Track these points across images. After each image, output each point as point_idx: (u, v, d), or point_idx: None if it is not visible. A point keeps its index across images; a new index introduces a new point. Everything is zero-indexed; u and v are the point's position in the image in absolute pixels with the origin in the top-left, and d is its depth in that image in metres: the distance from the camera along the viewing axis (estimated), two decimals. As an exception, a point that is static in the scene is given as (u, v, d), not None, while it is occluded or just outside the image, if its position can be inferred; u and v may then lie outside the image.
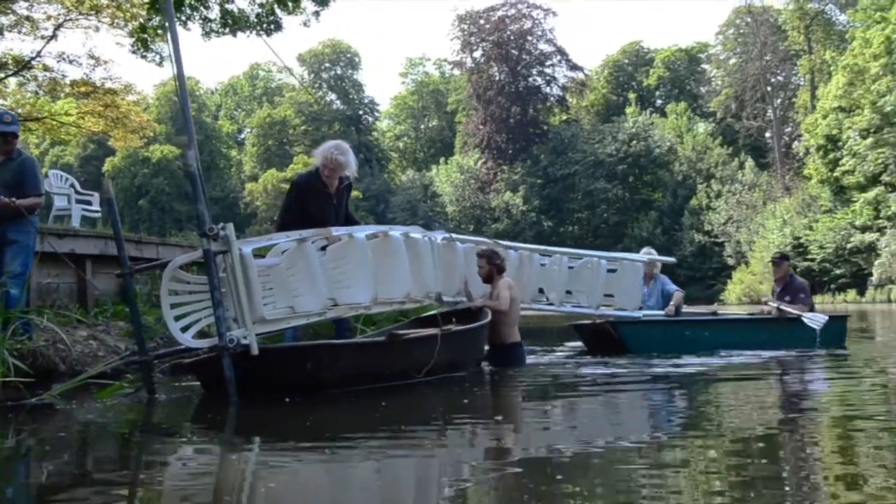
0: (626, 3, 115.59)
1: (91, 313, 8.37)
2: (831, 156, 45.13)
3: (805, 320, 9.48)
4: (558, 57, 64.36)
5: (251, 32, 18.71)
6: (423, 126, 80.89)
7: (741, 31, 63.86)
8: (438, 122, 78.69)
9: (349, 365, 6.10)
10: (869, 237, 41.32)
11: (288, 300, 6.08)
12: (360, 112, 77.69)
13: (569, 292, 9.36)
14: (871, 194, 42.06)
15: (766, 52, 60.86)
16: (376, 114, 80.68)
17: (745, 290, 47.13)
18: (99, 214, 13.88)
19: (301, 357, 6.00)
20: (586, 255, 9.74)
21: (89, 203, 13.60)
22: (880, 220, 41.36)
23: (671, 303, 9.85)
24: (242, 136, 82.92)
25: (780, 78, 62.70)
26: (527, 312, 8.89)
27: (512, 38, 63.50)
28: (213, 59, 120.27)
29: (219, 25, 18.35)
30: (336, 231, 6.52)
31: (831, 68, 49.06)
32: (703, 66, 69.74)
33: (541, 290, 9.22)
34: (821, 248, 43.26)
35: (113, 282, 9.43)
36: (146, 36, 18.05)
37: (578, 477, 3.36)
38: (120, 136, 22.45)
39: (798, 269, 44.06)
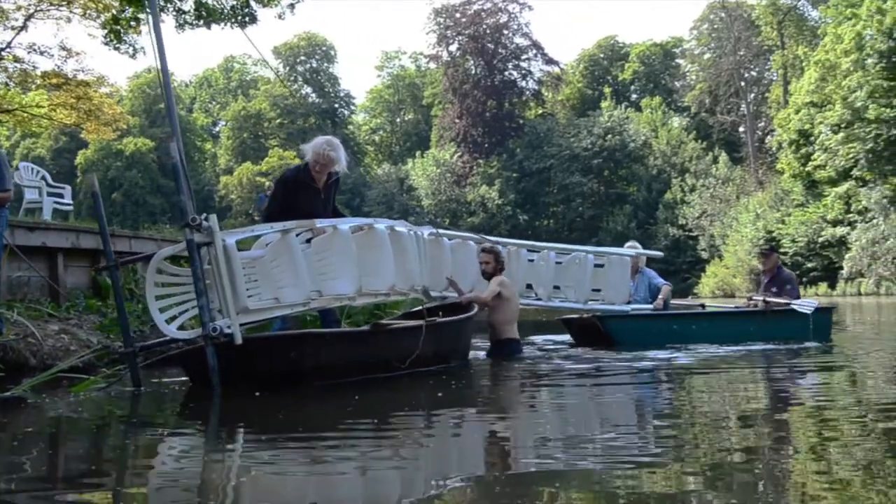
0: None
1: (62, 307, 8.30)
2: (803, 150, 45.59)
3: (795, 307, 9.52)
4: (534, 51, 64.46)
5: (226, 24, 18.61)
6: (398, 119, 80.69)
7: (715, 26, 64.25)
8: (414, 115, 78.51)
9: (333, 355, 6.14)
10: (840, 231, 41.81)
11: (272, 291, 6.11)
12: (336, 105, 77.39)
13: (557, 287, 9.39)
14: (842, 189, 42.54)
15: (739, 47, 61.30)
16: (352, 107, 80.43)
17: (719, 284, 47.56)
18: (71, 207, 13.76)
19: (285, 346, 6.02)
20: (574, 251, 9.79)
21: (61, 196, 13.47)
22: (851, 215, 41.85)
23: (659, 296, 9.87)
24: (217, 129, 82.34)
25: (753, 73, 63.21)
26: None
27: (488, 31, 63.49)
28: (187, 51, 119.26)
29: (193, 17, 18.23)
30: (320, 223, 6.57)
31: (803, 64, 49.55)
32: (677, 60, 70.09)
33: (529, 286, 9.24)
34: (793, 241, 43.71)
35: (85, 275, 9.37)
36: (119, 27, 17.89)
37: (544, 473, 3.40)
38: (92, 129, 22.28)
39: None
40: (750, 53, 61.78)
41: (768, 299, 9.82)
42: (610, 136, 59.16)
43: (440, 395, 5.91)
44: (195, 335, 5.77)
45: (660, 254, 12.61)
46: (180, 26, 18.32)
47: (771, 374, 6.97)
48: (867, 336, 11.33)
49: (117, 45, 17.83)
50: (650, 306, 9.78)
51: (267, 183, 32.10)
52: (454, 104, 64.36)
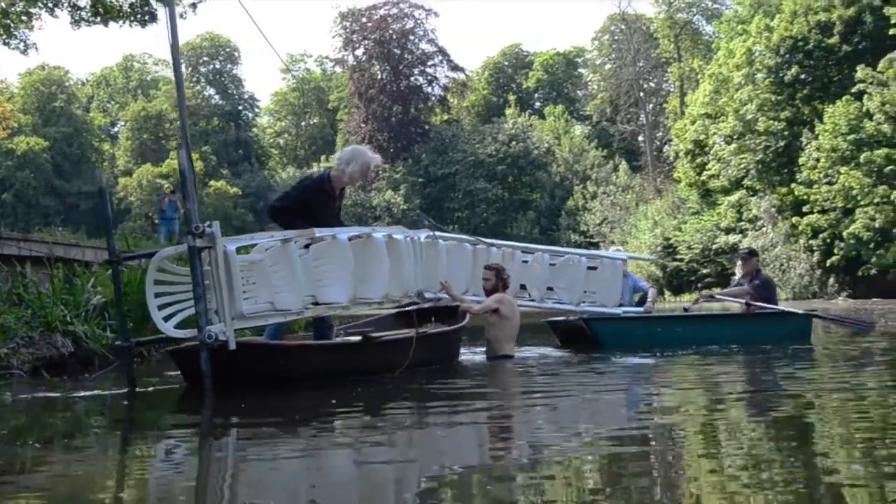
0: (506, 5, 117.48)
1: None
2: (699, 160, 47.12)
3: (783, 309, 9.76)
4: (440, 57, 64.83)
5: (124, 22, 18.18)
6: (304, 123, 79.97)
7: (616, 37, 65.96)
8: (320, 119, 77.96)
9: (323, 364, 6.40)
10: (732, 238, 43.34)
11: (269, 296, 6.26)
12: (240, 108, 76.15)
13: (550, 289, 9.50)
14: (734, 197, 44.14)
15: (639, 58, 63.08)
16: (256, 109, 79.29)
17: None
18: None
19: (276, 355, 6.25)
20: (567, 253, 9.98)
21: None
22: (742, 223, 43.47)
23: (648, 300, 10.14)
24: (116, 129, 79.94)
25: (651, 84, 65.11)
26: None
27: (394, 37, 63.55)
28: (84, 49, 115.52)
29: (89, 14, 17.76)
30: (319, 232, 6.70)
31: (699, 76, 51.28)
32: (579, 70, 71.66)
33: (523, 286, 9.33)
34: (689, 248, 45.12)
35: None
36: (9, 21, 17.28)
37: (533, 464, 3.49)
38: (-20, 127, 21.42)
39: (667, 269, 45.97)
40: (648, 65, 63.66)
41: (751, 302, 9.91)
42: (514, 142, 59.94)
43: (428, 391, 6.08)
44: (191, 335, 5.96)
45: (652, 258, 12.87)
46: (76, 22, 17.82)
47: (742, 376, 7.05)
48: (839, 340, 11.36)
49: (7, 41, 17.22)
50: (640, 309, 9.97)
51: (166, 185, 31.33)
52: (360, 108, 64.18)
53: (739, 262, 11.03)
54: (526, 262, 9.44)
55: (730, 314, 10.30)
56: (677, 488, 3.03)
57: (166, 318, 6.04)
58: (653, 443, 3.95)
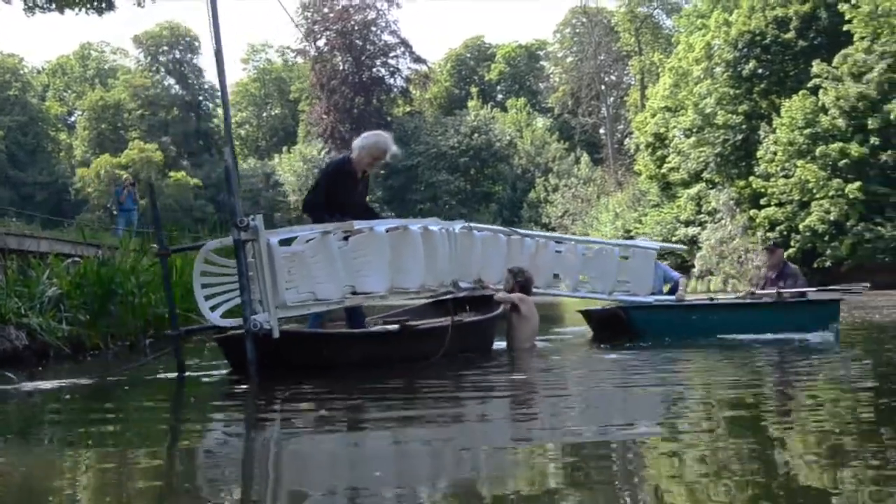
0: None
1: None
2: (659, 153, 47.56)
3: (813, 295, 9.90)
4: (402, 48, 64.64)
5: (80, 9, 17.91)
6: (265, 114, 79.31)
7: (577, 30, 66.26)
8: (281, 110, 77.39)
9: (363, 352, 6.67)
10: (692, 231, 43.84)
11: (310, 286, 6.50)
12: (200, 98, 75.33)
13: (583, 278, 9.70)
14: (693, 190, 44.64)
15: (600, 51, 63.44)
16: (217, 100, 78.39)
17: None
18: None
19: (318, 343, 6.54)
20: (599, 243, 10.13)
21: None
22: (701, 215, 43.96)
23: (679, 288, 10.28)
24: (73, 118, 78.60)
25: (612, 77, 65.53)
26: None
27: (356, 27, 63.23)
28: (39, 37, 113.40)
29: (44, 0, 17.48)
30: (358, 224, 6.96)
31: (659, 70, 51.75)
32: (541, 63, 71.89)
33: (556, 276, 9.57)
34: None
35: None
36: (-39, 9, 16.96)
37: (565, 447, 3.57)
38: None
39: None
40: (610, 58, 64.05)
41: (782, 290, 10.01)
42: (476, 135, 60.02)
43: (463, 378, 6.28)
44: (236, 325, 6.18)
45: (684, 247, 13.00)
46: (30, 9, 17.54)
47: (771, 362, 7.21)
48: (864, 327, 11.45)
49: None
50: (673, 297, 10.07)
51: (125, 175, 30.93)
52: (322, 100, 63.79)
53: (766, 255, 11.16)
54: (559, 252, 9.67)
55: (763, 303, 10.39)
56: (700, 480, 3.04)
57: (213, 308, 6.25)
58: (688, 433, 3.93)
